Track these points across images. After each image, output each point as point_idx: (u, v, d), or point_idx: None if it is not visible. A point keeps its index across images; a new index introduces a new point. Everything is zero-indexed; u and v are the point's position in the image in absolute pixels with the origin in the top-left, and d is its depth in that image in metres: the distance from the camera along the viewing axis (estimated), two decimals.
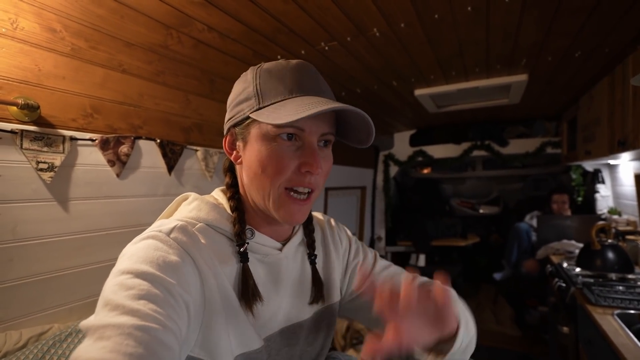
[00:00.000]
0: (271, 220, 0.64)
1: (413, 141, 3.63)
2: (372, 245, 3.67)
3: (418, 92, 2.18)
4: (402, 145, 3.66)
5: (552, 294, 2.36)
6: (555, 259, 2.46)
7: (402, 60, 1.68)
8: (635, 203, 2.54)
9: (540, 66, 1.78)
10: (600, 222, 2.08)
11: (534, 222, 3.23)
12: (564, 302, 1.99)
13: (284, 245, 0.68)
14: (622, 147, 1.67)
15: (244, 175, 0.63)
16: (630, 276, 1.91)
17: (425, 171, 4.08)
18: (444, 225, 3.65)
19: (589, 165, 2.99)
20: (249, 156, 0.60)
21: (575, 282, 1.87)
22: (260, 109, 0.58)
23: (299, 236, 0.72)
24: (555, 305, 2.22)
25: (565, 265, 2.23)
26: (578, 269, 2.07)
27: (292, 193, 0.60)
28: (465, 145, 3.38)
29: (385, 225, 3.70)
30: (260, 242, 0.64)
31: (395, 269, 0.80)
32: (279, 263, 0.67)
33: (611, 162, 2.70)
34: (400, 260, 3.94)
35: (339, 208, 3.12)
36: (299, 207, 0.60)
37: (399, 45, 1.50)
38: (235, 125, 0.62)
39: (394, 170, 3.71)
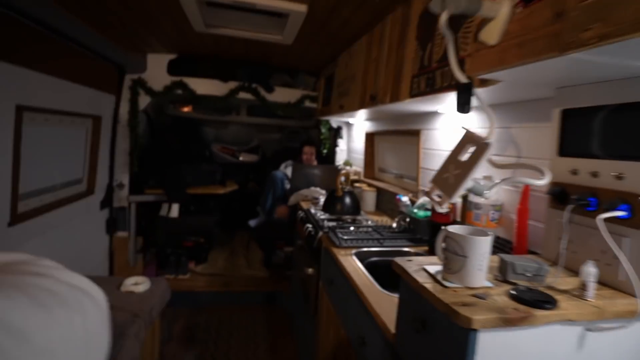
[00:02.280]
0: None
1: (173, 69, 2.98)
2: (109, 194, 2.86)
3: None
4: (157, 71, 2.94)
5: (300, 237, 2.53)
6: (304, 205, 2.63)
7: None
8: (361, 157, 3.06)
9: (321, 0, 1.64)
10: (343, 171, 2.31)
11: (288, 171, 3.42)
12: (311, 246, 2.11)
13: None
14: (373, 101, 1.81)
15: None
16: (358, 217, 2.24)
17: (186, 109, 3.54)
18: (204, 172, 3.32)
19: (335, 122, 3.38)
20: None
21: (322, 226, 1.99)
22: None
23: None
24: (302, 248, 2.38)
25: (312, 210, 2.39)
26: (323, 214, 2.25)
27: None
28: (232, 85, 3.07)
29: (130, 169, 2.95)
30: None
31: None
32: None
33: (350, 120, 3.13)
34: (149, 210, 3.32)
35: (58, 140, 2.15)
36: None
37: None
38: None
39: (144, 101, 2.95)
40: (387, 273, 1.38)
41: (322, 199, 2.67)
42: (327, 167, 3.17)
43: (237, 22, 2.14)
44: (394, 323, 1.00)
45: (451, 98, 1.26)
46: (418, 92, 1.35)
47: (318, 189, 2.85)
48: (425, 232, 1.82)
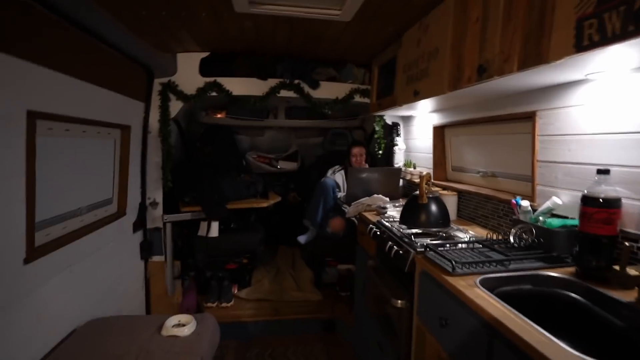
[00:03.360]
0: None
1: (205, 69, 2.62)
2: (142, 214, 2.51)
3: None
4: (188, 73, 2.59)
5: (370, 255, 2.07)
6: (369, 216, 2.18)
7: None
8: (426, 155, 2.59)
9: None
10: (426, 173, 1.84)
11: (338, 178, 2.99)
12: (395, 269, 1.65)
13: None
14: (482, 74, 1.35)
15: None
16: (450, 230, 1.76)
17: (219, 115, 3.18)
18: (244, 184, 2.93)
19: (389, 118, 2.94)
20: None
21: (412, 244, 1.53)
22: None
23: None
24: (378, 270, 1.91)
25: (386, 223, 1.93)
26: (403, 227, 1.79)
27: None
28: (272, 82, 2.69)
29: (163, 185, 2.60)
30: None
31: None
32: None
33: (412, 113, 2.67)
34: (187, 230, 2.95)
35: (82, 155, 1.80)
36: None
37: None
38: None
39: (175, 107, 2.60)
40: (528, 307, 1.00)
41: (389, 208, 2.22)
42: (388, 169, 2.71)
43: None
44: None
45: None
46: (602, 39, 0.87)
47: (381, 196, 2.40)
48: (564, 248, 1.32)
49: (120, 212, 2.21)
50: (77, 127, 1.71)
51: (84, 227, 1.80)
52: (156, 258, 2.63)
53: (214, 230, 2.73)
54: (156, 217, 2.61)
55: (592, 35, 0.90)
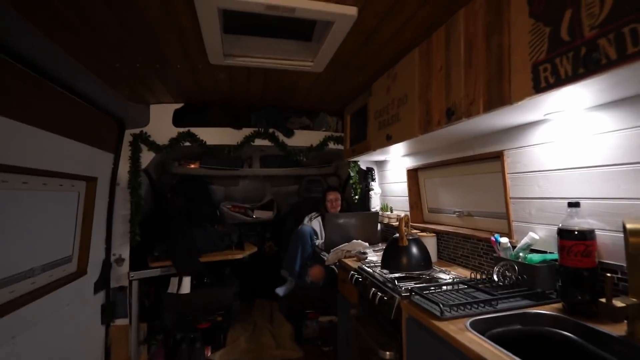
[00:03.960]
0: None
1: (179, 119, 2.61)
2: (106, 273, 2.30)
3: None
4: (161, 123, 2.56)
5: (352, 304, 1.97)
6: (349, 262, 2.11)
7: None
8: (402, 198, 2.61)
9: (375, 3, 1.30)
10: (404, 215, 1.83)
11: (315, 225, 2.93)
12: (381, 317, 1.56)
13: None
14: (450, 117, 1.40)
15: None
16: (432, 273, 1.72)
17: (193, 166, 3.12)
18: (217, 235, 2.79)
19: (363, 163, 2.98)
20: None
21: (395, 289, 1.47)
22: None
23: None
24: (361, 320, 1.81)
25: (367, 268, 1.87)
26: (385, 272, 1.73)
27: None
28: (246, 131, 2.70)
29: (130, 238, 2.43)
30: None
31: None
32: None
33: (384, 157, 2.72)
34: (155, 288, 2.73)
35: (41, 209, 1.66)
36: None
37: None
38: None
39: (147, 158, 2.53)
40: (521, 348, 0.99)
41: (369, 253, 2.17)
42: (365, 214, 2.69)
43: (259, 49, 1.80)
44: None
45: (623, 76, 0.84)
46: (557, 81, 0.94)
47: (360, 241, 2.35)
48: (548, 283, 1.31)
49: (81, 271, 2.02)
50: (37, 179, 1.60)
51: (35, 290, 1.61)
52: (119, 321, 2.37)
53: (186, 285, 2.53)
54: (121, 274, 2.40)
55: (548, 78, 0.97)
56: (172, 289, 2.51)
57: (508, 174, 1.57)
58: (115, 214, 2.37)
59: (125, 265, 2.41)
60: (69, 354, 1.88)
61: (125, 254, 2.42)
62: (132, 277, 2.43)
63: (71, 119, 1.78)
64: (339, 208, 2.98)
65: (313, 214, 3.08)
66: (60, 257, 1.84)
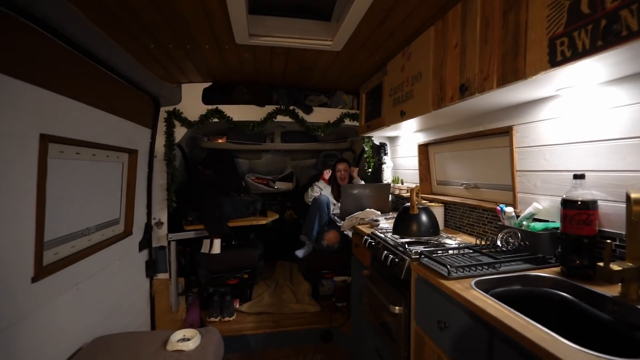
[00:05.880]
0: None
1: (207, 97, 2.61)
2: (148, 234, 2.41)
3: None
4: (192, 102, 2.58)
5: (365, 265, 2.02)
6: (363, 229, 2.14)
7: None
8: (412, 171, 2.59)
9: None
10: (415, 186, 1.83)
11: (315, 192, 2.97)
12: (391, 277, 1.60)
13: None
14: (465, 92, 1.36)
15: None
16: (440, 238, 1.73)
17: (220, 141, 3.16)
18: (243, 203, 2.87)
19: (377, 139, 2.95)
20: None
21: (406, 252, 1.49)
22: None
23: None
24: (373, 278, 1.86)
25: (379, 234, 1.89)
26: (396, 237, 1.75)
27: None
28: (269, 109, 2.69)
29: (168, 205, 2.52)
30: None
31: None
32: None
33: (397, 133, 2.68)
34: (190, 248, 2.86)
35: (91, 177, 1.73)
36: None
37: None
38: None
39: (180, 133, 2.57)
40: (521, 307, 0.96)
41: (381, 220, 2.19)
42: (378, 185, 2.69)
43: (282, 29, 1.76)
44: None
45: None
46: (573, 54, 0.89)
47: (373, 210, 2.37)
48: (548, 249, 1.30)
49: (127, 232, 2.13)
50: (87, 150, 1.66)
51: (91, 247, 1.71)
52: (161, 275, 2.51)
53: (216, 247, 2.65)
54: (161, 236, 2.51)
55: (565, 52, 0.92)
56: (204, 249, 2.64)
57: (516, 148, 1.53)
58: (154, 183, 2.45)
59: (164, 228, 2.52)
60: (123, 300, 2.02)
61: (164, 218, 2.52)
62: (170, 238, 2.54)
63: (114, 97, 1.81)
64: (347, 178, 3.02)
65: (315, 183, 3.09)
66: (110, 219, 1.94)
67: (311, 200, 2.89)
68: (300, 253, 2.78)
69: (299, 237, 2.91)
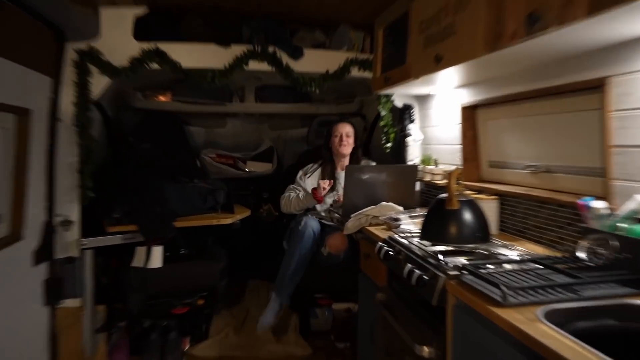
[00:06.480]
0: None
1: (143, 32, 2.60)
2: (48, 238, 2.38)
3: None
4: (117, 35, 2.54)
5: (379, 287, 2.03)
6: (377, 232, 2.18)
7: None
8: (452, 147, 2.58)
9: None
10: (455, 168, 1.82)
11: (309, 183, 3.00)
12: (418, 302, 1.60)
13: None
14: (534, 25, 1.33)
15: None
16: (489, 247, 1.74)
17: (163, 98, 3.14)
18: (197, 193, 2.88)
19: (400, 99, 2.94)
20: None
21: (440, 266, 1.51)
22: None
23: None
24: (391, 304, 1.87)
25: (400, 239, 1.93)
26: (426, 244, 1.76)
27: None
28: (237, 50, 2.67)
29: (81, 195, 2.51)
30: None
31: None
32: None
33: (429, 90, 2.72)
34: (115, 260, 2.85)
35: None
36: None
37: None
38: None
39: (99, 85, 2.55)
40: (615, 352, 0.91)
41: (403, 220, 2.20)
42: (400, 168, 2.70)
43: None
44: None
45: None
46: None
47: (392, 204, 2.38)
48: None
49: (14, 236, 2.07)
50: None
51: None
52: (69, 302, 2.49)
53: (156, 258, 2.66)
54: (70, 242, 2.49)
55: None
56: (138, 262, 2.65)
57: (613, 111, 1.51)
58: (58, 162, 2.40)
59: (75, 230, 2.50)
60: (8, 342, 1.98)
61: (74, 215, 2.50)
62: (84, 245, 2.52)
63: None
64: (350, 149, 2.99)
65: (309, 166, 3.10)
66: None
67: (285, 210, 2.94)
68: (265, 321, 2.81)
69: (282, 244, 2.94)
